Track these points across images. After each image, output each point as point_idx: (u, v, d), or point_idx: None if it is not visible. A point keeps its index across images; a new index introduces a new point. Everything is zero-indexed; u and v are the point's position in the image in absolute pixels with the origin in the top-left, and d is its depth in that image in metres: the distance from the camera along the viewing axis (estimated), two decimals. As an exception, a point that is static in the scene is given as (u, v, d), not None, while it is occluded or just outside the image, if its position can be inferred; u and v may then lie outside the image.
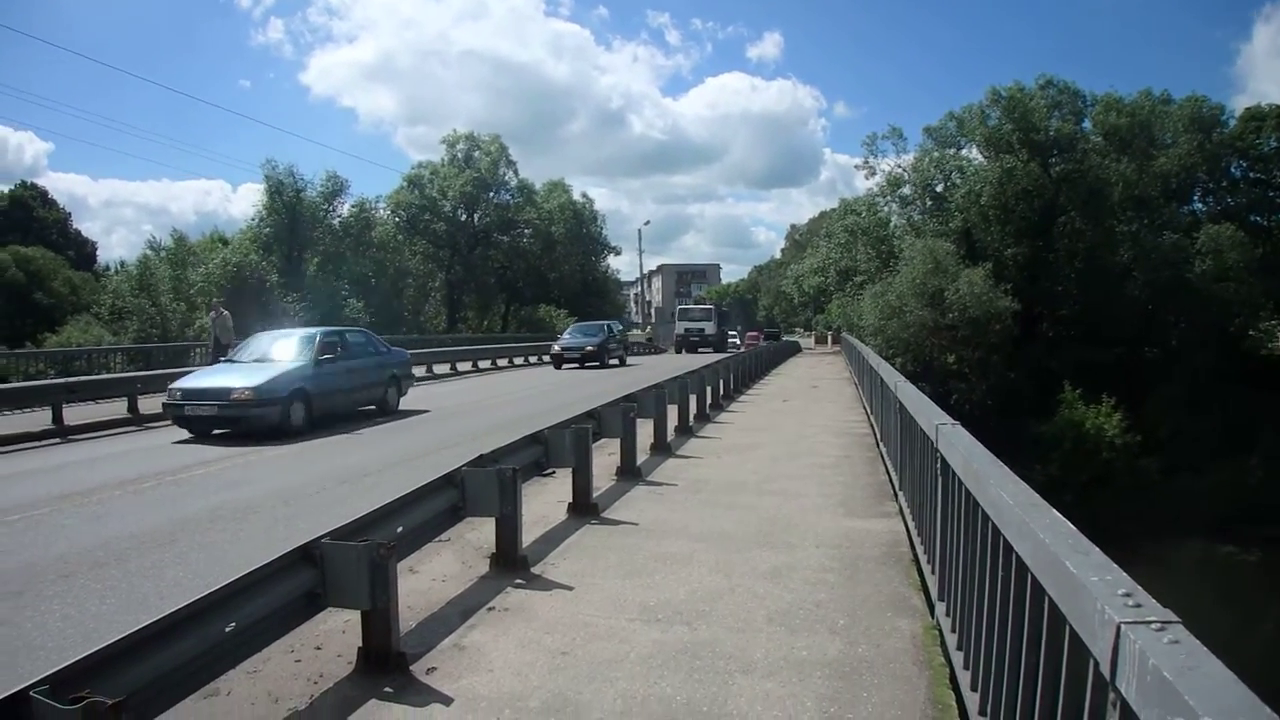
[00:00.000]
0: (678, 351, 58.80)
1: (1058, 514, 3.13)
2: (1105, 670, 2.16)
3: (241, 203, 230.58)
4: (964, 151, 57.56)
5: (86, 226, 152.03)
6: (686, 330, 61.59)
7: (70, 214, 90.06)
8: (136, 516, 9.94)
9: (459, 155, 72.09)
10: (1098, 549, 2.66)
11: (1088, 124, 55.08)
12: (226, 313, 27.98)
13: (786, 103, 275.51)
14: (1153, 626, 2.03)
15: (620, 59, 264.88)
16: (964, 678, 4.57)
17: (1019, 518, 3.24)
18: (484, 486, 7.33)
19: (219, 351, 26.09)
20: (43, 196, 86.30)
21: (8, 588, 7.34)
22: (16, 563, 8.07)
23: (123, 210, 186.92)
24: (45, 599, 7.07)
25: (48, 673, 3.42)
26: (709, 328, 61.48)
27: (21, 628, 6.44)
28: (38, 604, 6.96)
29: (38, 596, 7.13)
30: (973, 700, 4.27)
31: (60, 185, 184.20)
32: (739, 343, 73.91)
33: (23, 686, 3.28)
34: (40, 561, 8.11)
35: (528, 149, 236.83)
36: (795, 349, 63.17)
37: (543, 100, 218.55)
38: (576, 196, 79.46)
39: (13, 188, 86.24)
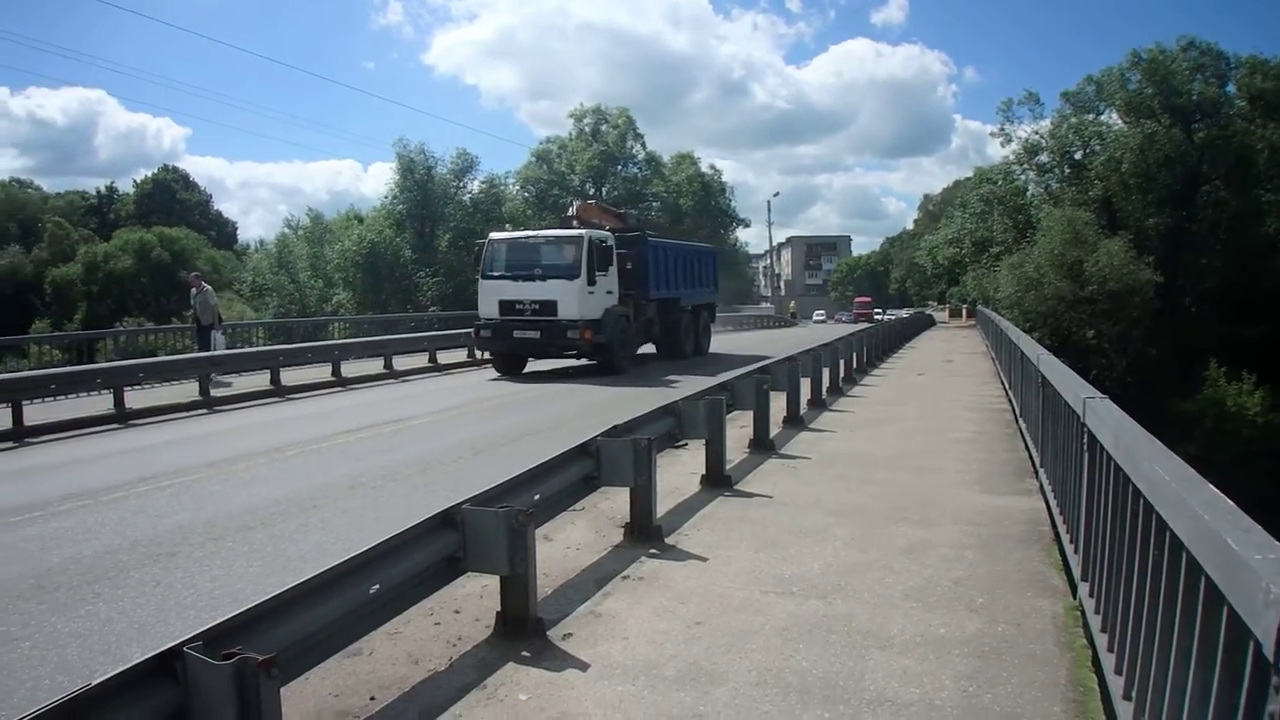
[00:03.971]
0: (485, 350, 24.31)
1: (1216, 490, 2.99)
2: (1269, 651, 2.06)
3: (373, 181, 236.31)
4: (1103, 117, 55.63)
5: (225, 207, 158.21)
6: (504, 308, 22.56)
7: (211, 195, 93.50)
8: (281, 482, 10.25)
9: (586, 129, 72.24)
10: (1260, 527, 2.52)
11: (1231, 87, 52.64)
12: (209, 287, 24.58)
13: (914, 68, 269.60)
14: (1321, 606, 1.91)
15: (740, 28, 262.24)
16: (1108, 660, 4.38)
17: (1175, 494, 3.09)
18: (619, 456, 7.34)
19: (202, 335, 23.36)
20: (184, 179, 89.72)
21: (161, 549, 7.62)
22: (169, 526, 8.38)
23: (258, 191, 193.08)
24: (196, 560, 7.33)
25: (201, 629, 3.50)
26: (568, 296, 21.97)
27: (173, 587, 6.67)
28: (189, 565, 7.21)
29: (189, 558, 7.39)
30: (1116, 683, 4.09)
31: (198, 168, 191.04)
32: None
33: (178, 642, 3.36)
34: (190, 525, 8.40)
35: (649, 121, 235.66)
36: (929, 322, 61.51)
37: (662, 71, 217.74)
38: (704, 168, 78.96)
39: (156, 171, 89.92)
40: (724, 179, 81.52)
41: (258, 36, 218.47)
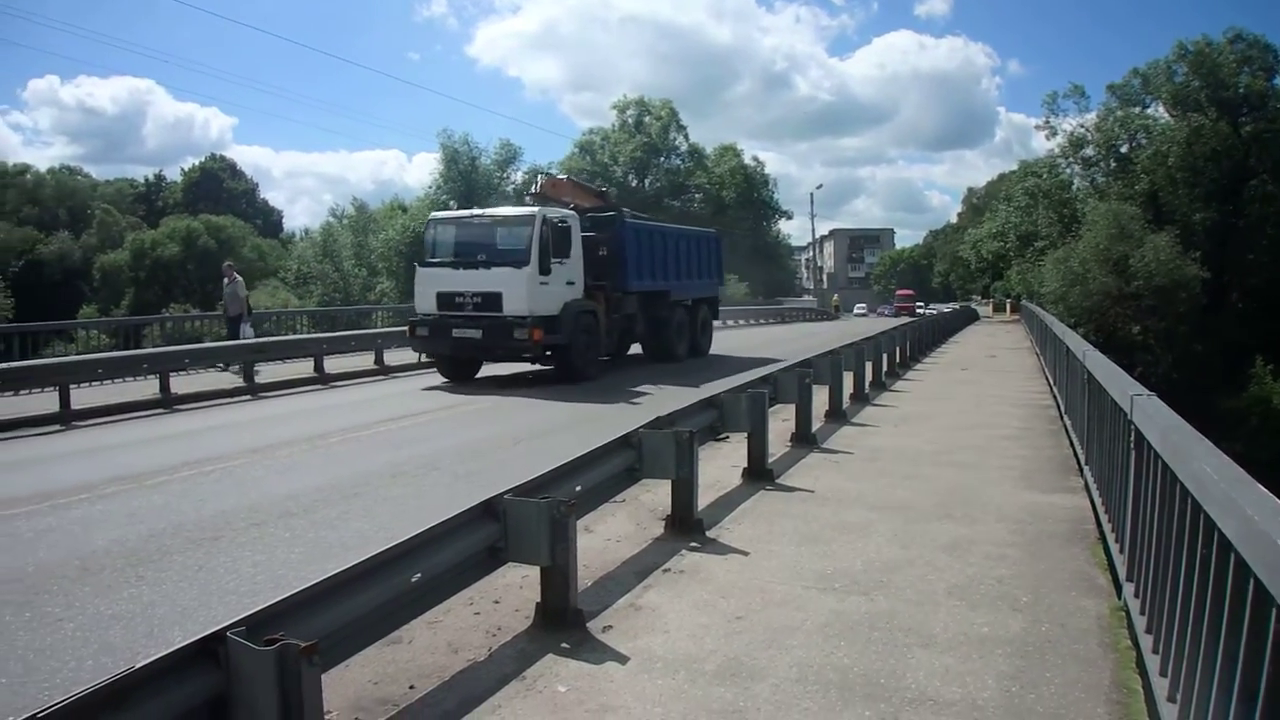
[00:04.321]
0: (421, 353, 20.29)
1: (1265, 490, 2.93)
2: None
3: (417, 171, 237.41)
4: (1149, 110, 55.16)
5: (271, 196, 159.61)
6: (443, 302, 18.83)
7: (257, 184, 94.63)
8: (323, 469, 10.31)
9: (629, 120, 72.59)
10: (1309, 529, 2.47)
11: (1279, 80, 51.98)
12: (240, 278, 23.47)
13: (957, 61, 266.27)
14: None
15: (783, 20, 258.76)
16: (1152, 662, 4.33)
17: (1224, 493, 3.04)
18: (661, 448, 7.31)
19: (231, 326, 22.69)
20: (231, 168, 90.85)
21: (204, 534, 7.68)
22: (212, 510, 8.45)
23: (303, 180, 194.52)
24: (238, 545, 7.38)
25: (244, 615, 3.51)
26: (515, 287, 18.05)
27: (216, 572, 6.73)
28: (231, 550, 7.26)
29: (231, 543, 7.44)
30: (1161, 685, 4.03)
31: (245, 157, 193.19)
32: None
33: (221, 627, 3.37)
34: (233, 510, 8.46)
35: (692, 113, 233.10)
36: (972, 317, 60.92)
37: (705, 64, 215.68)
38: (747, 160, 78.89)
39: (203, 160, 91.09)
40: (767, 171, 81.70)
41: (303, 28, 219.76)
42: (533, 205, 20.36)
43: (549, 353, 18.55)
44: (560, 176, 25.57)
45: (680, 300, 24.30)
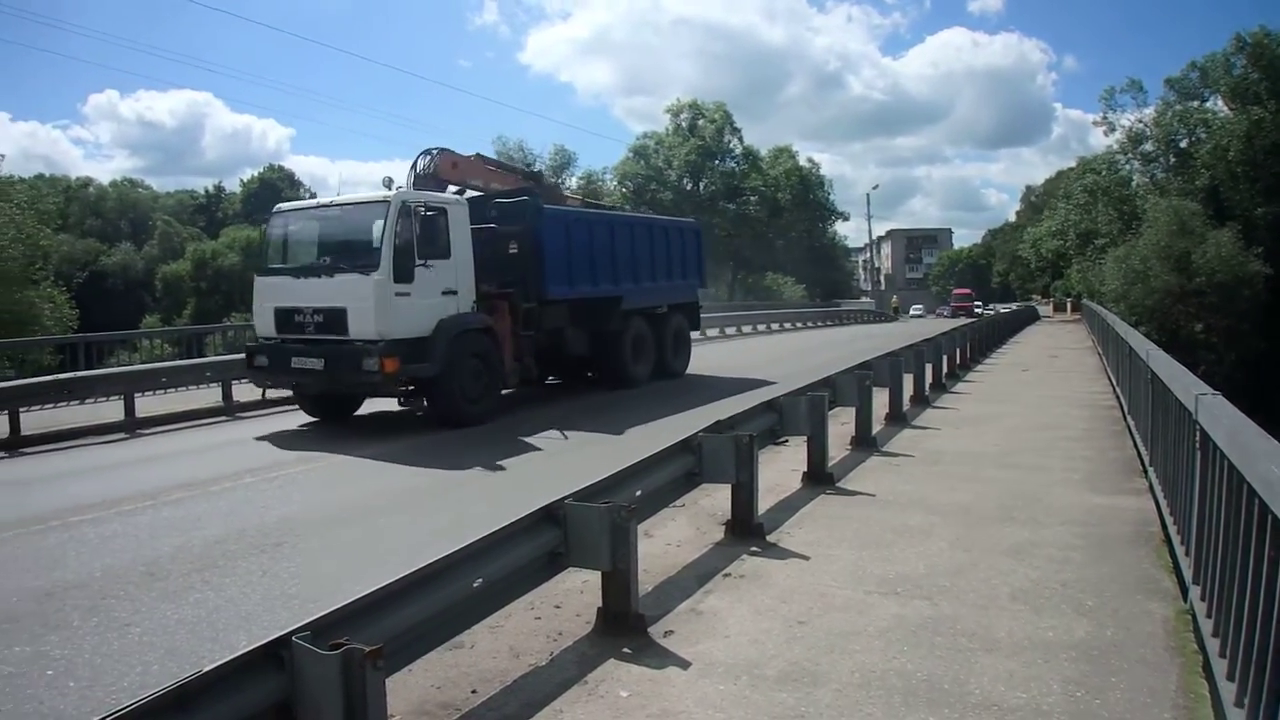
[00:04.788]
0: (263, 387, 16.34)
1: None
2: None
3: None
4: (1208, 104, 54.39)
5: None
6: (282, 321, 14.13)
7: (315, 194, 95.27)
8: (383, 476, 10.40)
9: (683, 124, 72.59)
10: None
11: (1341, 71, 50.88)
12: None
13: (1012, 57, 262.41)
14: None
15: (834, 20, 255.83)
16: (1219, 666, 4.23)
17: (1293, 495, 2.94)
18: (720, 453, 7.26)
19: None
20: (290, 178, 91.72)
21: (267, 540, 7.78)
22: (275, 517, 8.57)
23: (361, 188, 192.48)
24: (301, 551, 7.49)
25: (310, 619, 3.54)
26: (361, 300, 13.15)
27: (279, 577, 6.82)
28: (294, 556, 7.35)
29: (294, 549, 7.54)
30: (1228, 690, 3.94)
31: (302, 167, 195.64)
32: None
33: (286, 631, 3.39)
34: (296, 516, 8.57)
35: (746, 115, 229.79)
36: (1033, 316, 60.14)
37: (757, 65, 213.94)
38: (802, 162, 78.66)
39: (261, 170, 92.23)
40: (822, 172, 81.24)
41: (357, 39, 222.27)
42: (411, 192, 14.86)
43: (409, 388, 14.10)
44: (469, 155, 18.24)
45: (640, 309, 19.17)
